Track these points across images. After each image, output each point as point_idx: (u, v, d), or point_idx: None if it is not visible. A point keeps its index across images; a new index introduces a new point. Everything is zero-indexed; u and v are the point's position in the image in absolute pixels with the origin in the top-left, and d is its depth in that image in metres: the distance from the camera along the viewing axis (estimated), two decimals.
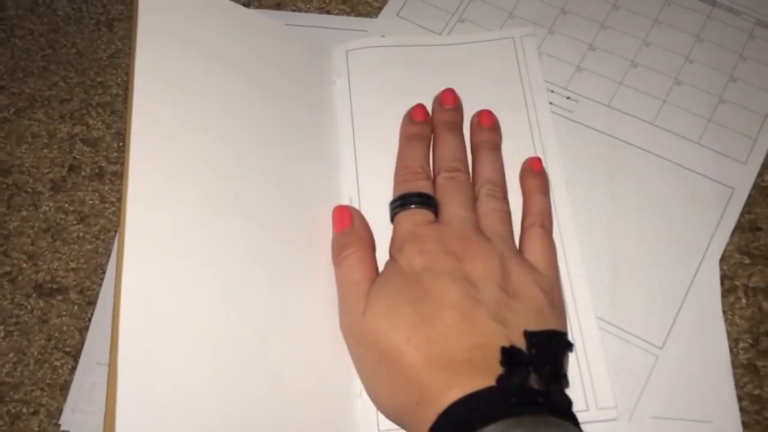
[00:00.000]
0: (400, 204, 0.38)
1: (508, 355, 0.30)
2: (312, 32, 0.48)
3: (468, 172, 0.40)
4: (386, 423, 0.35)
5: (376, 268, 0.36)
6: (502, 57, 0.45)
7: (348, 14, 0.49)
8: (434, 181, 0.39)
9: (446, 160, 0.39)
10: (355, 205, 0.40)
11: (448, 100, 0.42)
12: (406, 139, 0.41)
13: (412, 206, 0.37)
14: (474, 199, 0.38)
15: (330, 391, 0.35)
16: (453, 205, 0.37)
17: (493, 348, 0.31)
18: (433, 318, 0.32)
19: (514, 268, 0.34)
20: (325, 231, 0.38)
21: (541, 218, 0.38)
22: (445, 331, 0.31)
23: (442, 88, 0.42)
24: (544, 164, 0.41)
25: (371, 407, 0.35)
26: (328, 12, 0.49)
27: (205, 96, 0.37)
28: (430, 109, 0.42)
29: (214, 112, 0.37)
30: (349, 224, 0.38)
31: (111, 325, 0.29)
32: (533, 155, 0.41)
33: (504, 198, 0.39)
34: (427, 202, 0.37)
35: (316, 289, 0.37)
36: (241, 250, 0.35)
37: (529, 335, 0.31)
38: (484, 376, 0.29)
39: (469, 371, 0.30)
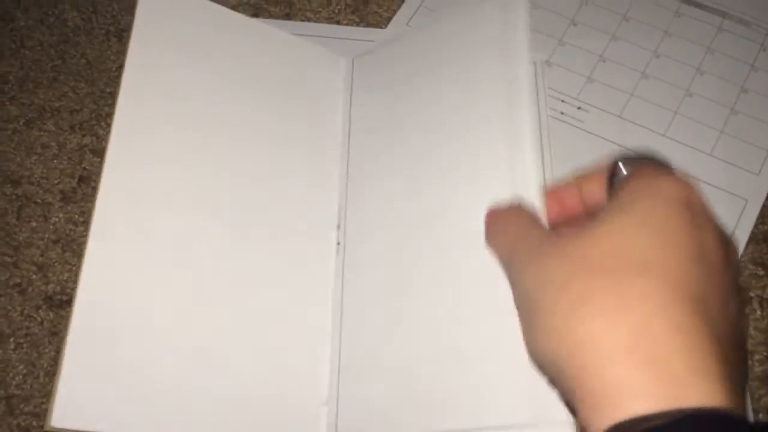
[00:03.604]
0: None
1: None
2: (321, 42, 0.48)
3: None
4: (347, 430, 0.34)
5: None
6: (486, 21, 0.39)
7: (357, 24, 0.49)
8: None
9: None
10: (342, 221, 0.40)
11: None
12: None
13: None
14: None
15: (294, 396, 0.35)
16: None
17: None
18: None
19: None
20: (306, 241, 0.38)
21: None
22: None
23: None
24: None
25: (334, 414, 0.34)
26: (338, 22, 0.50)
27: (208, 108, 0.37)
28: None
29: (220, 123, 0.37)
30: None
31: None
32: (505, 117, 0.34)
33: None
34: None
35: (286, 291, 0.37)
36: (215, 251, 0.35)
37: None
38: None
39: None
